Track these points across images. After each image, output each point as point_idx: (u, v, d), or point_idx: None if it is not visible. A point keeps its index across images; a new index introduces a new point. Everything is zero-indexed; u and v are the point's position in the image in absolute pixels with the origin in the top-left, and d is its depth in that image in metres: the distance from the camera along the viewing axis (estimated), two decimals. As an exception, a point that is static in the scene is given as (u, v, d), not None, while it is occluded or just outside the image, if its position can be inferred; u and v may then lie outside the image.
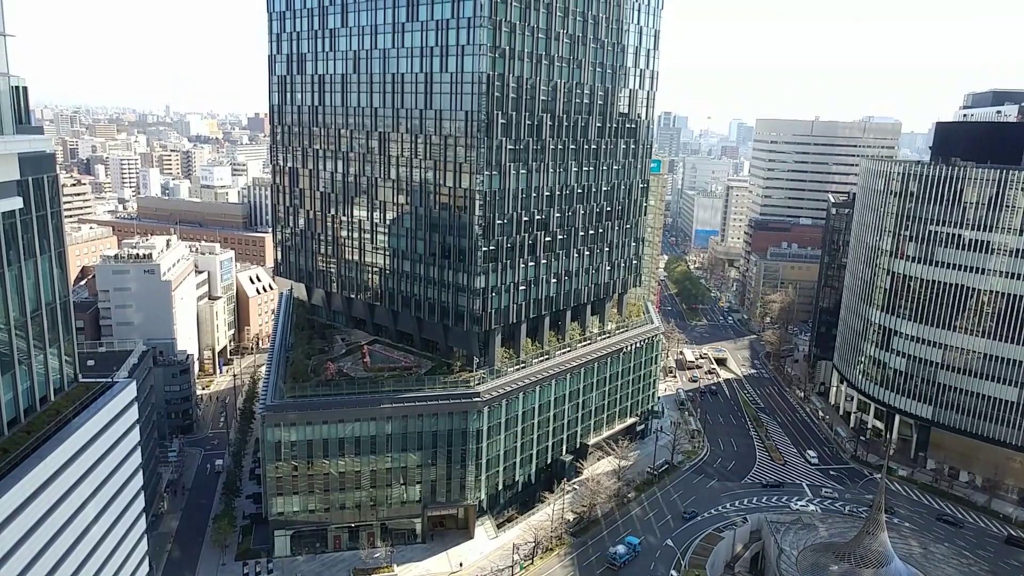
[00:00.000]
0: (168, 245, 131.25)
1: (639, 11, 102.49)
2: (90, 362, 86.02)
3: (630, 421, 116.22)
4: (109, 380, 59.08)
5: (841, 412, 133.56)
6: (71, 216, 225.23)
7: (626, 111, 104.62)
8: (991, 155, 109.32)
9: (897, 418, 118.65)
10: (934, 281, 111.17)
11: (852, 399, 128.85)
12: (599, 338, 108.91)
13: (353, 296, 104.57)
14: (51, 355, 50.93)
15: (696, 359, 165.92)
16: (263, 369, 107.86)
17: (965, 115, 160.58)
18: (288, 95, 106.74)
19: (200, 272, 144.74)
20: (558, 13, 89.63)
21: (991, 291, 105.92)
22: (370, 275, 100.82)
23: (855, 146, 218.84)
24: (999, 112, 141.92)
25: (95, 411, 51.95)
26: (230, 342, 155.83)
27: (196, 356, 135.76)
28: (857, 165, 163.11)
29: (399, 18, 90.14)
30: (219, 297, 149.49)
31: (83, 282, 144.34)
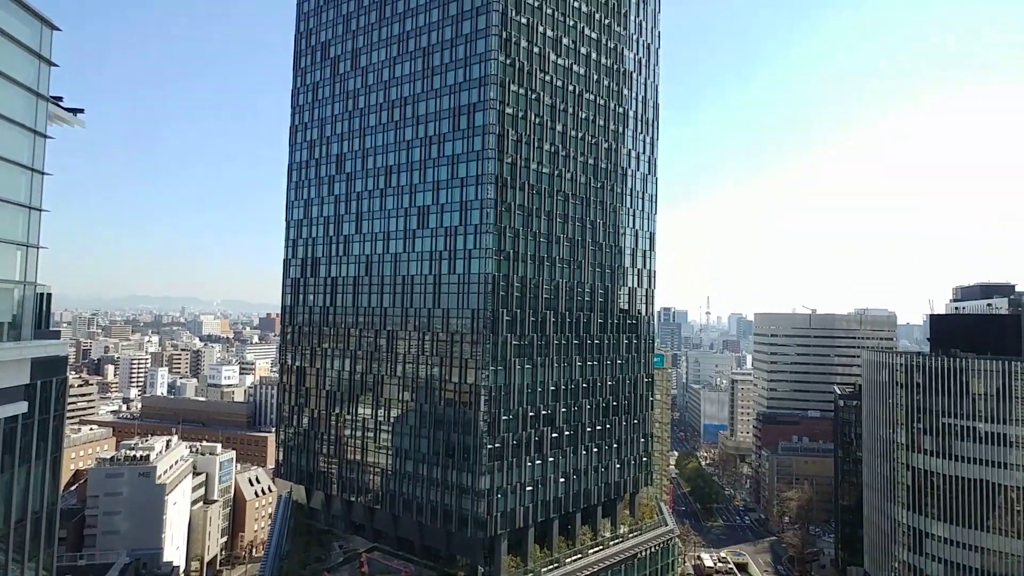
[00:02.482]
0: (168, 446, 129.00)
1: (634, 216, 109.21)
2: None
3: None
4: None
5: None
6: (73, 417, 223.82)
7: (626, 308, 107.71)
8: (989, 346, 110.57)
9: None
10: (956, 477, 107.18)
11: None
12: (612, 543, 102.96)
13: (353, 499, 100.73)
14: (28, 570, 48.00)
15: (715, 564, 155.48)
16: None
17: (957, 308, 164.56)
18: (301, 296, 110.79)
19: (198, 474, 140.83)
20: (558, 219, 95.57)
21: (1016, 487, 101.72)
22: (371, 476, 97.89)
23: (854, 338, 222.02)
24: (990, 305, 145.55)
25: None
26: (221, 551, 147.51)
27: (183, 568, 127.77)
28: (858, 356, 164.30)
29: (410, 225, 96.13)
30: (215, 501, 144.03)
31: (74, 487, 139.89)
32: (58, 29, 38.27)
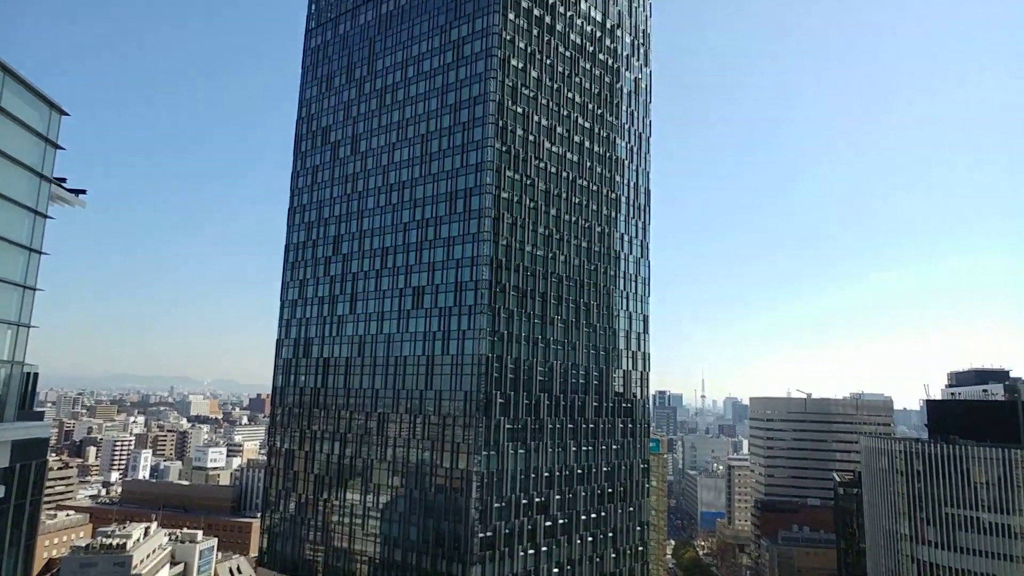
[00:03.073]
0: (147, 533, 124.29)
1: (628, 299, 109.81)
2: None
3: None
4: None
5: None
6: (49, 502, 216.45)
7: (621, 391, 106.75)
8: (988, 433, 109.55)
9: None
10: (965, 570, 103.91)
11: None
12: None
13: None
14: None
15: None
16: None
17: (953, 393, 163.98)
18: (292, 377, 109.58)
19: (176, 563, 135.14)
20: (553, 301, 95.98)
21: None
22: (359, 565, 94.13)
23: (851, 423, 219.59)
24: (985, 391, 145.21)
25: None
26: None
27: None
28: (856, 442, 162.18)
29: (405, 306, 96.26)
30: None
31: None
32: (67, 114, 39.29)
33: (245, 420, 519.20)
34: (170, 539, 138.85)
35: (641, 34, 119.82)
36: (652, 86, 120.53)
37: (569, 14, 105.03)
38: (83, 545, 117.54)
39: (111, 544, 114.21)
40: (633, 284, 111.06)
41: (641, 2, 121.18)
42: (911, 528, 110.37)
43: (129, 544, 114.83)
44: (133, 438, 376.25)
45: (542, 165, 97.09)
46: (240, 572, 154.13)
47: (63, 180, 41.13)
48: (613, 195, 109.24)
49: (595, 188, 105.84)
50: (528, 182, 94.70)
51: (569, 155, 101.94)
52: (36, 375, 49.89)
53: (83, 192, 43.16)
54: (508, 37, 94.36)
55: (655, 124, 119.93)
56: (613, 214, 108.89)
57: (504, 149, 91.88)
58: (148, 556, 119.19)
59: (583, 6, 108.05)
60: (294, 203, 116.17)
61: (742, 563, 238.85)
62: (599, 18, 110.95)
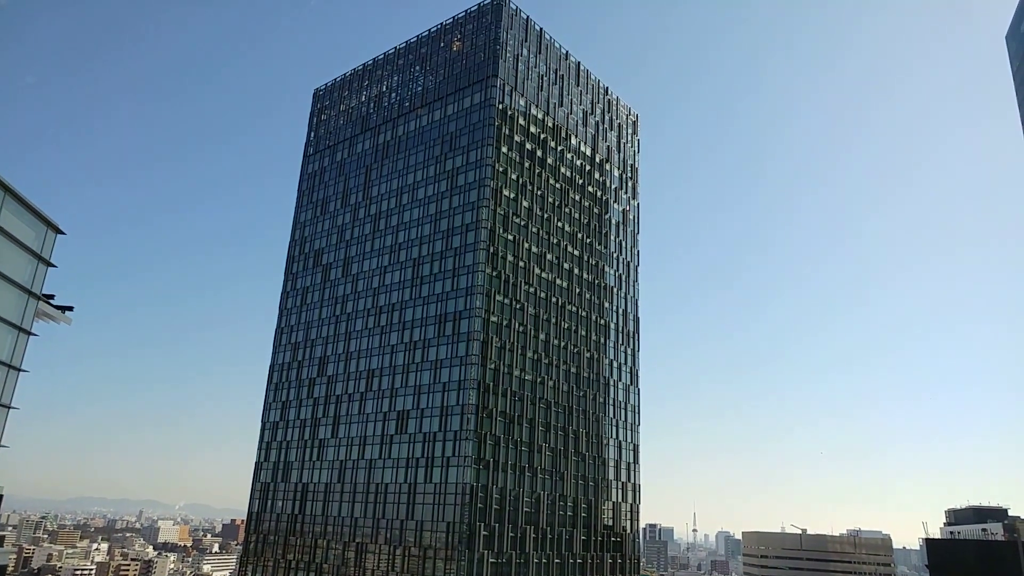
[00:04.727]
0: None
1: (617, 427, 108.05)
2: None
3: None
4: None
5: None
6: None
7: (611, 524, 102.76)
8: (988, 573, 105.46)
9: None
10: None
11: None
12: None
13: None
14: None
15: None
16: None
17: (952, 532, 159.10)
18: (269, 502, 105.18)
19: None
20: (540, 427, 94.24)
21: None
22: None
23: (849, 562, 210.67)
24: (984, 530, 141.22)
25: None
26: None
27: None
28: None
29: (388, 430, 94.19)
30: None
31: None
32: (62, 233, 39.87)
33: (216, 548, 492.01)
34: None
35: (629, 168, 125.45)
36: (640, 217, 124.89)
37: (560, 148, 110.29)
38: None
39: None
40: (623, 411, 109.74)
41: (629, 138, 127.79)
42: None
43: None
44: (94, 567, 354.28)
45: (532, 290, 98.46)
46: None
47: (51, 297, 41.12)
48: (602, 321, 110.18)
49: (584, 314, 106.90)
50: (518, 306, 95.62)
51: (559, 281, 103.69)
52: (1, 496, 47.67)
53: (70, 309, 43.04)
54: (501, 169, 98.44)
55: (643, 253, 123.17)
56: (602, 340, 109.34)
57: (494, 274, 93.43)
58: None
59: (573, 141, 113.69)
60: (282, 323, 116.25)
61: None
62: (588, 152, 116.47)
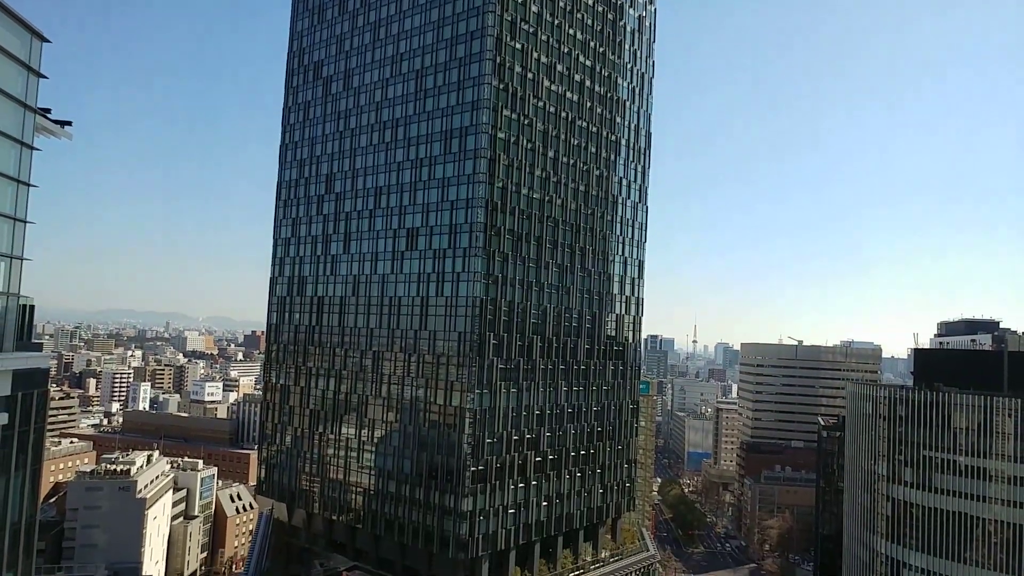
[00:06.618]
0: (149, 461, 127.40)
1: (624, 244, 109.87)
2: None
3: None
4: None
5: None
6: (53, 430, 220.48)
7: (614, 334, 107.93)
8: (972, 381, 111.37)
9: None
10: (936, 509, 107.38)
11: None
12: (593, 567, 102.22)
13: (335, 518, 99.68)
14: (4, 581, 47.13)
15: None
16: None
17: (942, 343, 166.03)
18: (286, 315, 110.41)
19: (179, 489, 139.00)
20: (548, 245, 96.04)
21: (994, 520, 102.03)
22: (354, 495, 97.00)
23: (839, 370, 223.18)
24: (974, 341, 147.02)
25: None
26: (201, 567, 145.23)
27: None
28: (843, 388, 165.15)
29: (399, 247, 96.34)
30: (196, 516, 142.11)
31: (53, 500, 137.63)
32: (47, 41, 38.55)
33: (240, 356, 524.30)
34: (172, 467, 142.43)
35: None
36: (656, 24, 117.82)
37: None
38: (88, 470, 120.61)
39: (115, 470, 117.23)
40: (630, 229, 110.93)
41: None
42: (889, 469, 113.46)
43: (133, 470, 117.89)
44: (132, 371, 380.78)
45: (540, 105, 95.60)
46: (240, 499, 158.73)
47: (48, 111, 40.68)
48: (613, 137, 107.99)
49: (595, 130, 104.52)
50: (526, 122, 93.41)
51: (569, 94, 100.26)
52: (32, 307, 50.35)
53: (69, 124, 42.73)
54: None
55: (657, 65, 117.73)
56: (612, 157, 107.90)
57: (501, 87, 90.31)
58: (151, 482, 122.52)
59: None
60: (286, 139, 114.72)
61: (725, 500, 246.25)
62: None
